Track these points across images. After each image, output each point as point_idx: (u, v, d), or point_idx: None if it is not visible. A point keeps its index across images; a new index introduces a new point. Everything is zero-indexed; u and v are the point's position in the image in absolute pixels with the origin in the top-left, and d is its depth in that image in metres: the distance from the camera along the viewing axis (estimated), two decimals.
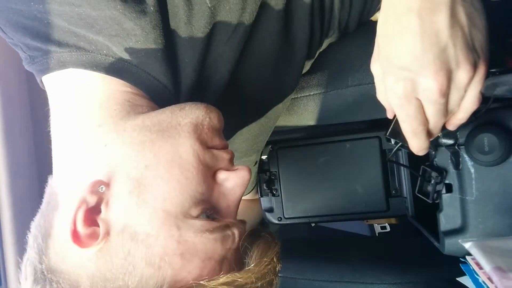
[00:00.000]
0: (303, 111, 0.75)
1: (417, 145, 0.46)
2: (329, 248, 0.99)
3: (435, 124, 0.44)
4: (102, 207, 0.43)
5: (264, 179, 0.85)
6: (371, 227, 1.13)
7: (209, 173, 0.47)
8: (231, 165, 0.49)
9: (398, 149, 0.54)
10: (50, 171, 0.87)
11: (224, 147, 0.50)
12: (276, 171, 0.85)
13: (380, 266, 0.84)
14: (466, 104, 0.43)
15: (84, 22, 0.46)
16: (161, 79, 0.50)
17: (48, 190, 0.49)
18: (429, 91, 0.40)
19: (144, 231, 0.42)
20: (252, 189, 0.88)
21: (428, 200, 0.58)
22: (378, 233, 1.10)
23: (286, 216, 0.85)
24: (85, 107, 0.48)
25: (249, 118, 0.69)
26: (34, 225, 0.47)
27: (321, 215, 0.85)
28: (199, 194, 0.44)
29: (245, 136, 0.70)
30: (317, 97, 0.73)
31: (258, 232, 0.49)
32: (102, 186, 0.43)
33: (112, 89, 0.48)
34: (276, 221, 0.86)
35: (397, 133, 0.48)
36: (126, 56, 0.48)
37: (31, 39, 0.47)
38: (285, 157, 0.85)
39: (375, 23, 0.43)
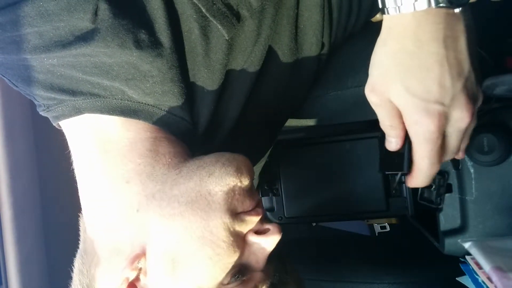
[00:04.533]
0: (303, 112, 0.75)
1: (420, 183, 0.45)
2: (329, 248, 0.99)
3: (452, 152, 0.43)
4: (141, 276, 0.45)
5: (265, 178, 0.85)
6: (371, 227, 1.13)
7: (240, 239, 0.46)
8: (261, 225, 0.48)
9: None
10: (50, 171, 0.87)
11: (255, 205, 0.48)
12: (276, 171, 0.85)
13: (380, 266, 0.84)
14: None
15: (99, 70, 0.45)
16: (178, 112, 0.50)
17: (82, 233, 0.50)
18: (461, 121, 0.40)
19: None
20: None
21: (433, 206, 0.58)
22: (378, 233, 1.10)
23: (286, 216, 0.85)
24: (108, 157, 0.47)
25: (264, 135, 0.69)
26: (77, 268, 0.49)
27: (321, 214, 0.85)
28: (230, 264, 0.44)
29: (258, 148, 0.70)
30: (318, 99, 0.73)
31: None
32: (140, 261, 0.44)
33: (132, 136, 0.48)
34: (277, 221, 0.86)
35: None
36: (142, 97, 0.47)
37: (45, 91, 0.46)
38: (286, 157, 0.85)
39: (374, 24, 0.43)
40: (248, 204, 0.47)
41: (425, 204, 0.61)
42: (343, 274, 0.85)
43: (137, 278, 0.45)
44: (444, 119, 0.40)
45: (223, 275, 0.44)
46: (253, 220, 0.47)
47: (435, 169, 0.44)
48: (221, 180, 0.45)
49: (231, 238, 0.44)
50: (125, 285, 0.44)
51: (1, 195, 0.78)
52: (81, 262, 0.49)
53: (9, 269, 0.79)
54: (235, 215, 0.45)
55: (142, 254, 0.44)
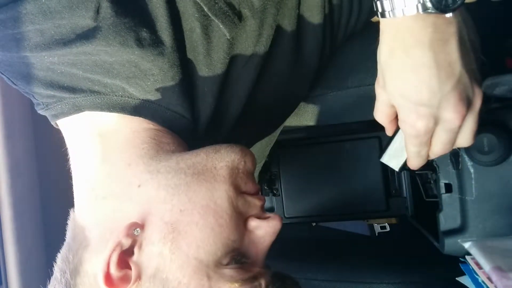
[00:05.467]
0: (303, 112, 0.76)
1: (416, 163, 0.47)
2: (329, 248, 0.99)
3: (443, 150, 0.44)
4: (135, 249, 0.43)
5: (265, 178, 0.85)
6: (371, 227, 1.13)
7: (241, 220, 0.46)
8: (262, 212, 0.49)
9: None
10: (50, 171, 0.87)
11: (257, 192, 0.49)
12: (276, 171, 0.85)
13: (380, 266, 0.84)
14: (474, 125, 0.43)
15: (100, 68, 0.45)
16: (178, 110, 0.50)
17: (71, 224, 0.49)
18: (450, 122, 0.40)
19: (176, 279, 0.42)
20: None
21: (437, 199, 0.58)
22: (378, 233, 1.10)
23: (286, 216, 0.85)
24: (110, 146, 0.47)
25: (263, 133, 0.69)
26: (61, 258, 0.47)
27: (321, 214, 0.85)
28: (231, 241, 0.44)
29: (257, 147, 0.71)
30: (318, 99, 0.73)
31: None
32: (137, 229, 0.43)
33: (134, 127, 0.48)
34: None
35: (390, 156, 0.49)
36: (143, 95, 0.47)
37: (44, 89, 0.46)
38: (286, 157, 0.85)
39: (374, 24, 0.43)
40: (251, 186, 0.48)
41: (433, 200, 0.61)
42: (343, 274, 0.85)
43: (130, 252, 0.43)
44: (432, 120, 0.40)
45: (223, 251, 0.43)
46: (255, 203, 0.48)
47: (422, 160, 0.46)
48: (226, 156, 0.47)
49: (234, 213, 0.45)
50: (117, 251, 0.42)
51: (1, 195, 0.78)
52: (67, 250, 0.47)
53: (9, 269, 0.78)
54: (239, 191, 0.46)
55: (141, 225, 0.43)
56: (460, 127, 0.41)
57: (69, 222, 0.49)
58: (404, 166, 0.49)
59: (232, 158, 0.47)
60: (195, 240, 0.43)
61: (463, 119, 0.40)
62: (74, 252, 0.46)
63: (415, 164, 0.47)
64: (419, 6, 0.37)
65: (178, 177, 0.45)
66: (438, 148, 0.44)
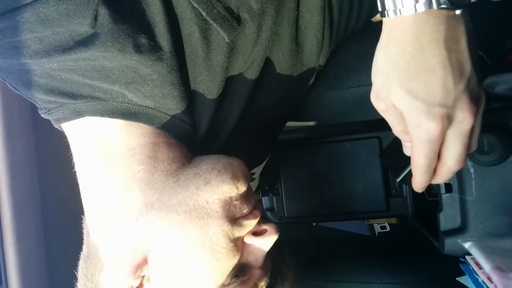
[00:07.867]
0: (303, 112, 0.75)
1: (423, 181, 0.44)
2: (329, 248, 0.99)
3: (458, 161, 0.42)
4: (144, 281, 0.46)
5: (265, 178, 0.85)
6: (371, 227, 1.13)
7: (239, 242, 0.47)
8: (258, 226, 0.49)
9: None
10: (50, 171, 0.87)
11: (252, 208, 0.49)
12: (277, 171, 0.85)
13: (380, 266, 0.84)
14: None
15: (100, 73, 0.45)
16: (178, 115, 0.50)
17: (86, 238, 0.51)
18: (465, 123, 0.39)
19: None
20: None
21: (437, 199, 0.58)
22: (378, 233, 1.10)
23: (287, 216, 0.85)
24: (108, 164, 0.47)
25: (264, 136, 0.69)
26: (82, 271, 0.50)
27: (321, 214, 0.85)
28: (230, 267, 0.46)
29: (258, 150, 0.71)
30: (317, 99, 0.73)
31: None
32: (143, 268, 0.45)
33: (131, 142, 0.48)
34: (277, 221, 0.86)
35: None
36: (142, 100, 0.47)
37: (45, 95, 0.46)
38: (286, 157, 0.85)
39: (374, 24, 0.43)
40: (245, 208, 0.48)
41: (433, 199, 0.61)
42: (343, 274, 0.85)
43: (140, 285, 0.46)
44: (447, 121, 0.39)
45: (224, 277, 0.46)
46: (251, 223, 0.48)
47: (429, 176, 0.43)
48: (217, 188, 0.46)
49: (231, 244, 0.45)
50: None
51: (1, 195, 0.78)
52: (85, 267, 0.50)
53: (9, 269, 0.78)
54: (233, 221, 0.46)
55: (144, 262, 0.45)
56: (471, 129, 0.40)
57: (84, 231, 0.52)
58: (404, 179, 0.46)
59: (223, 189, 0.46)
60: (195, 275, 0.45)
61: (475, 119, 0.39)
62: (91, 272, 0.49)
63: (421, 181, 0.44)
64: (434, 1, 0.37)
65: (170, 216, 0.45)
66: (453, 159, 0.42)
